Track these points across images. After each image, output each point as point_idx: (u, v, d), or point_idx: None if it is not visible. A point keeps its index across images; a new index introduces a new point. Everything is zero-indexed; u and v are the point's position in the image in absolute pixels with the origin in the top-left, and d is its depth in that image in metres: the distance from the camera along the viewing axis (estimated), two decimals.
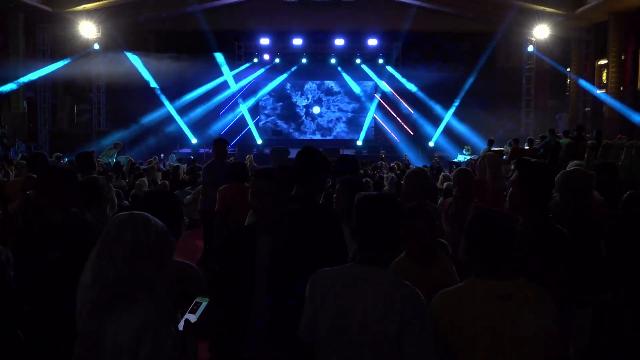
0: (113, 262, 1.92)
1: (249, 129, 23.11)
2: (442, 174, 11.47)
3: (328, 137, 23.82)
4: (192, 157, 17.87)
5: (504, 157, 13.02)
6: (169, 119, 21.49)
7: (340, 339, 2.10)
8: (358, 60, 22.27)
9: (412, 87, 22.16)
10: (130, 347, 1.87)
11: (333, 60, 22.18)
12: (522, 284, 2.11)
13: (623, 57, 15.90)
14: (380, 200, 2.18)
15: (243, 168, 5.73)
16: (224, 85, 22.78)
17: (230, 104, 23.10)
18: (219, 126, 22.97)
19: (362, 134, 22.93)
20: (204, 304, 2.30)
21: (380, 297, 2.07)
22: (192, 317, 2.25)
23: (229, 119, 23.19)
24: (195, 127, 21.82)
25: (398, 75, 21.92)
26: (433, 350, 2.05)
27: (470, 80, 20.30)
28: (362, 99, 23.64)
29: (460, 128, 21.36)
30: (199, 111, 21.76)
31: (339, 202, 3.55)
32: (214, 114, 22.91)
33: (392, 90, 22.84)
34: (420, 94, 21.92)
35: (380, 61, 22.06)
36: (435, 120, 22.21)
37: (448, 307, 2.11)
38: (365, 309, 2.07)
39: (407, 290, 2.10)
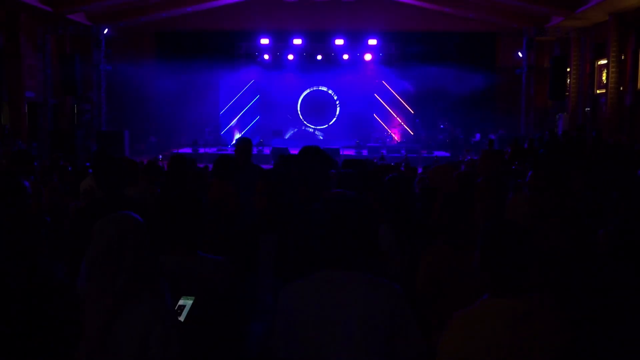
0: (113, 262, 1.95)
1: (249, 128, 23.10)
2: None
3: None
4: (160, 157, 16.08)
5: (505, 157, 13.00)
6: (170, 118, 21.47)
7: (323, 353, 1.95)
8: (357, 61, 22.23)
9: (411, 87, 22.15)
10: (141, 340, 1.91)
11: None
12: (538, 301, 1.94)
13: (623, 57, 15.88)
14: (350, 202, 2.07)
15: (228, 163, 4.65)
16: (224, 85, 22.78)
17: (230, 103, 23.08)
18: (219, 126, 22.97)
19: None
20: (189, 303, 2.24)
21: (361, 303, 1.95)
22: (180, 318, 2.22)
23: (229, 119, 23.17)
24: (195, 127, 21.80)
25: (398, 75, 21.88)
26: (425, 351, 1.99)
27: (470, 80, 20.29)
28: (362, 99, 23.59)
29: (460, 128, 21.35)
30: (198, 111, 21.74)
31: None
32: (214, 114, 22.89)
33: (392, 90, 22.82)
34: (420, 94, 21.90)
35: (380, 61, 22.03)
36: (435, 121, 22.20)
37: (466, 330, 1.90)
38: (347, 317, 1.95)
39: (386, 291, 1.99)
